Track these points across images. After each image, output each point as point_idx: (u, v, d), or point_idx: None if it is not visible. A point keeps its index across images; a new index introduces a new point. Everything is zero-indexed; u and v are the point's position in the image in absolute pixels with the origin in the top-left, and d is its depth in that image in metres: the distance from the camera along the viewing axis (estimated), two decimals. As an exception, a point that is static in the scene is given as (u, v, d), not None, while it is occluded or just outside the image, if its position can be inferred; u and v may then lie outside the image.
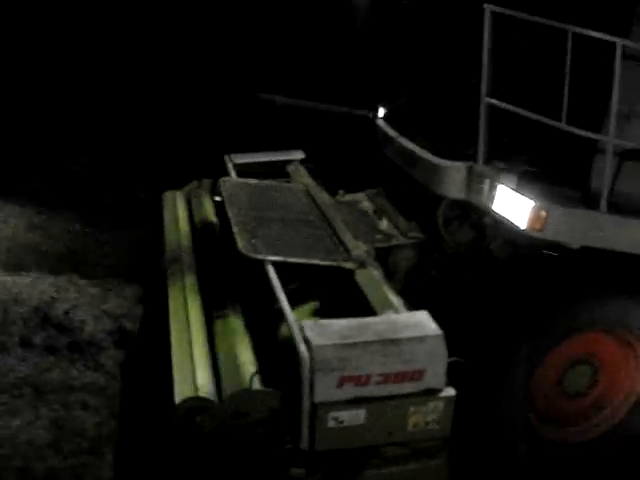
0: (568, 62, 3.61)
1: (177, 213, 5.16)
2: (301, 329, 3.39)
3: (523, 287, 3.94)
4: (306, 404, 3.27)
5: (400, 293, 4.31)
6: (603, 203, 3.75)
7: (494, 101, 3.96)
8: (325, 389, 3.27)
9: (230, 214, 4.43)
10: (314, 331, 3.39)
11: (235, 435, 3.36)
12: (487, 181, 4.00)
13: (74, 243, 5.79)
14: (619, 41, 3.50)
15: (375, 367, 3.31)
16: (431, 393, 3.40)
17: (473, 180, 4.11)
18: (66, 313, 4.83)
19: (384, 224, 4.65)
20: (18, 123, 7.45)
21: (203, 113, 7.55)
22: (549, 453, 4.14)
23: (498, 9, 3.79)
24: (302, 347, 3.27)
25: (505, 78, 4.01)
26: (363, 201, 4.99)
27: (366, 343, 3.32)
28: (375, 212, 4.80)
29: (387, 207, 4.83)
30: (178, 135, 7.28)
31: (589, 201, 3.80)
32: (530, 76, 4.01)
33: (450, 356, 3.47)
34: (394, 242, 4.44)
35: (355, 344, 3.31)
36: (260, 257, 3.99)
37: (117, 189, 6.51)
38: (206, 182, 5.52)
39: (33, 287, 5.03)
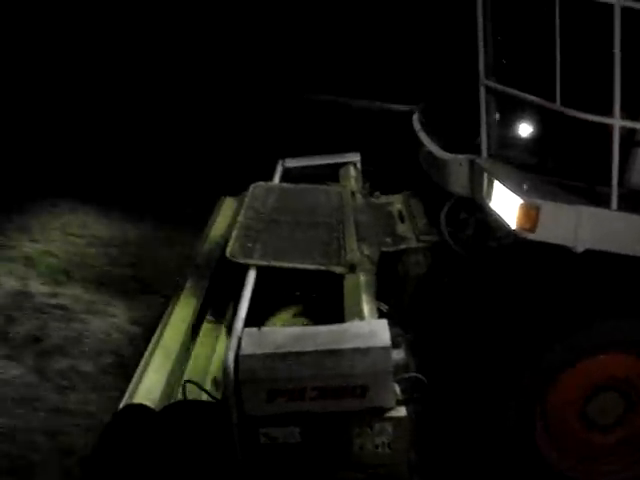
0: (557, 29, 3.09)
1: (220, 220, 5.08)
2: (239, 337, 3.17)
3: (527, 297, 3.41)
4: (234, 417, 3.05)
5: (409, 300, 3.98)
6: (613, 198, 3.15)
7: (492, 83, 3.49)
8: (254, 402, 3.02)
9: (240, 218, 4.29)
10: (252, 339, 3.14)
11: (172, 445, 3.21)
12: (485, 176, 3.53)
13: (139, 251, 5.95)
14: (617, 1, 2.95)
15: (310, 381, 3.00)
16: (376, 413, 3.03)
17: (475, 175, 3.64)
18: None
19: (403, 227, 4.25)
20: (82, 129, 7.76)
21: (276, 115, 7.46)
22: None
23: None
24: (230, 356, 3.05)
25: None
26: (396, 203, 4.62)
27: (299, 354, 3.03)
28: (400, 214, 4.42)
29: (416, 209, 4.41)
30: (250, 139, 7.25)
31: (594, 197, 3.21)
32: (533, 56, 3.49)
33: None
34: (402, 246, 4.04)
35: (286, 354, 3.03)
36: (243, 261, 3.81)
37: (190, 194, 6.58)
38: (260, 187, 5.39)
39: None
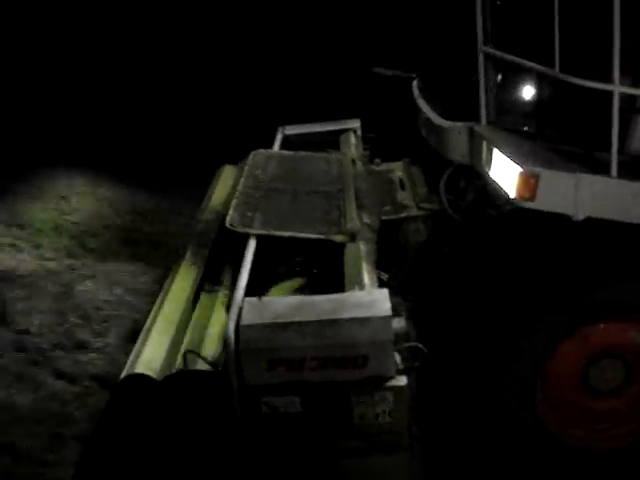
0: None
1: (220, 188, 5.07)
2: (240, 307, 3.18)
3: (527, 265, 3.40)
4: (235, 387, 3.06)
5: (409, 268, 3.98)
6: (613, 166, 3.13)
7: (490, 50, 3.45)
8: (254, 372, 3.03)
9: (239, 187, 4.28)
10: (252, 309, 3.16)
11: (174, 415, 3.24)
12: (484, 144, 3.50)
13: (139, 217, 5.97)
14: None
15: (309, 350, 3.01)
16: (377, 382, 3.04)
17: (474, 143, 3.62)
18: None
19: (403, 195, 4.25)
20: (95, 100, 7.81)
21: (276, 82, 7.44)
22: (571, 460, 3.58)
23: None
24: (230, 326, 3.06)
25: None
26: (396, 170, 4.61)
27: (299, 323, 3.03)
28: (400, 182, 4.40)
29: (416, 177, 4.41)
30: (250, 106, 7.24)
31: (594, 164, 3.19)
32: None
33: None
34: (402, 214, 4.04)
35: (287, 324, 3.04)
36: (243, 230, 3.81)
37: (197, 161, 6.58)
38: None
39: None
